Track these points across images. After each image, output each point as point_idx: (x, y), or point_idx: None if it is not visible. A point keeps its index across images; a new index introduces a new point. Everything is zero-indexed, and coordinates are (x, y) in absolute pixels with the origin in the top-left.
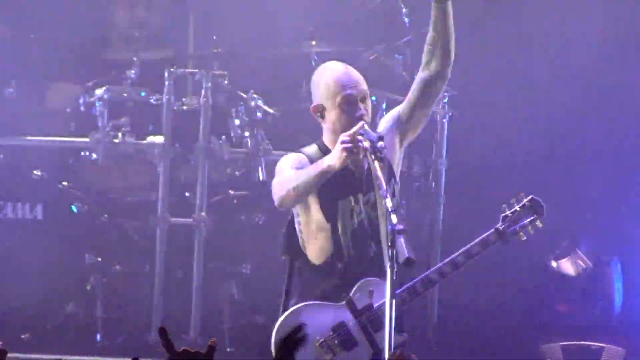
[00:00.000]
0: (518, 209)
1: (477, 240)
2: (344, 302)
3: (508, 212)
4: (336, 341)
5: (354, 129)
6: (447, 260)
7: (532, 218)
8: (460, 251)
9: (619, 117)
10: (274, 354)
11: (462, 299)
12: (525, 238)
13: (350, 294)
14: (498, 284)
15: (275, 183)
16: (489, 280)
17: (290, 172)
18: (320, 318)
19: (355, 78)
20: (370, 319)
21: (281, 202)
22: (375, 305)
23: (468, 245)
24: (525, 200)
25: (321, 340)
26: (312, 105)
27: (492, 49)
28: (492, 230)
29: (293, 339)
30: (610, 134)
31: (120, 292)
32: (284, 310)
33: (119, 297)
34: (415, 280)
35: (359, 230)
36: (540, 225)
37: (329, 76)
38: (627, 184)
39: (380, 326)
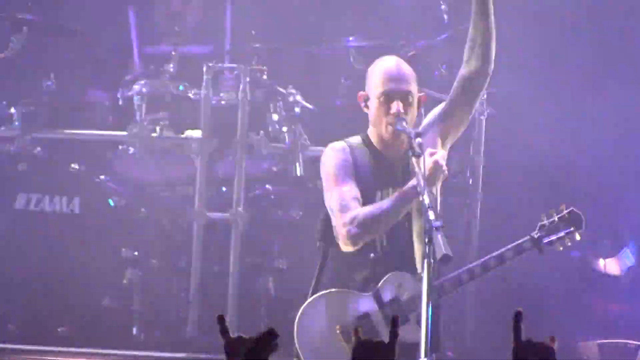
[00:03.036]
0: (557, 219)
1: (510, 245)
2: (370, 293)
3: (546, 222)
4: None
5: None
6: (478, 262)
7: (570, 230)
8: (493, 254)
9: None
10: (295, 339)
11: (500, 295)
12: (561, 249)
13: (378, 286)
14: (537, 282)
15: (346, 220)
16: (529, 278)
17: (351, 208)
18: (345, 306)
19: (402, 75)
20: (395, 313)
21: (358, 240)
22: (402, 299)
23: (501, 250)
24: (564, 212)
25: (343, 329)
26: (360, 93)
27: (534, 47)
28: (527, 237)
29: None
30: None
31: (156, 286)
32: (313, 294)
33: (156, 292)
34: (443, 278)
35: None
36: (579, 238)
37: (377, 68)
38: None
39: (405, 320)
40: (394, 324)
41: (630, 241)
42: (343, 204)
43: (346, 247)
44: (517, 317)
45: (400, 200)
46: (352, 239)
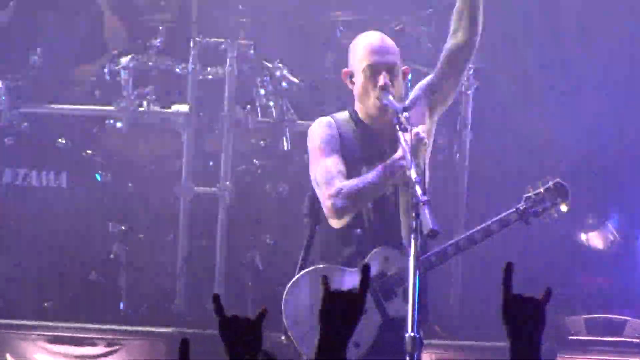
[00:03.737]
0: (542, 191)
1: (496, 218)
2: (357, 268)
3: (531, 193)
4: None
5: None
6: (464, 235)
7: (555, 201)
8: (478, 228)
9: None
10: (283, 315)
11: (486, 271)
12: (547, 221)
13: (365, 260)
14: (522, 256)
15: (331, 193)
16: (513, 251)
17: (336, 180)
18: (331, 282)
19: (386, 47)
20: (382, 287)
21: (343, 213)
22: (389, 273)
23: (487, 222)
24: (550, 183)
25: None
26: (344, 70)
27: (523, 22)
28: (513, 210)
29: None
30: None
31: (143, 260)
32: (300, 271)
33: (143, 266)
34: (430, 252)
35: (380, 198)
36: (565, 209)
37: (360, 42)
38: None
39: (392, 295)
40: (364, 271)
41: (612, 215)
42: (328, 177)
43: (332, 220)
44: (508, 269)
45: (385, 173)
46: (338, 211)
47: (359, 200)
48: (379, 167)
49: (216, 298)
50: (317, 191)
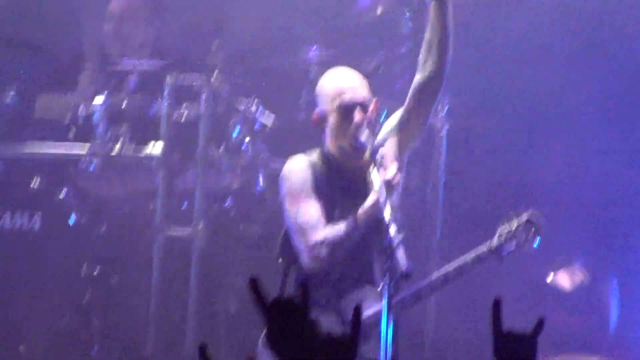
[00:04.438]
0: (515, 226)
1: (469, 255)
2: (332, 311)
3: (504, 229)
4: None
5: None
6: (437, 274)
7: (528, 237)
8: (453, 266)
9: (627, 127)
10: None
11: (457, 311)
12: (519, 256)
13: (340, 303)
14: (492, 296)
15: (316, 241)
16: (484, 292)
17: (318, 229)
18: None
19: (357, 83)
20: None
21: (326, 261)
22: (363, 316)
23: (460, 260)
24: (522, 218)
25: None
26: (315, 109)
27: (494, 56)
28: (485, 246)
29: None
30: (612, 147)
31: (117, 304)
32: None
33: (116, 309)
34: (404, 293)
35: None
36: (537, 244)
37: (331, 80)
38: (624, 199)
39: (366, 338)
40: (355, 314)
41: (579, 256)
42: (309, 225)
43: (312, 267)
44: (496, 305)
45: (364, 218)
46: (322, 260)
47: (341, 248)
48: (360, 213)
49: (253, 283)
50: (296, 237)
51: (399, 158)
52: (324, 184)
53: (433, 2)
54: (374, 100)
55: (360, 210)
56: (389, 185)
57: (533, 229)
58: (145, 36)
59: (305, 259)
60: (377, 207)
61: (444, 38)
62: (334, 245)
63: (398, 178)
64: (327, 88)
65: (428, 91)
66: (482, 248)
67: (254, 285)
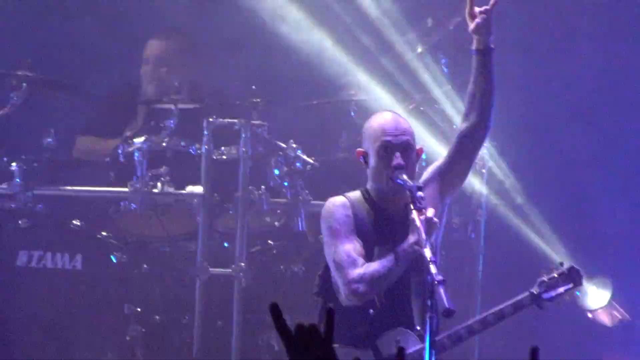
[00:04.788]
0: (556, 275)
1: (510, 302)
2: (369, 349)
3: (545, 278)
4: None
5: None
6: (477, 318)
7: (569, 286)
8: (492, 311)
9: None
10: None
11: (498, 340)
12: (560, 305)
13: (377, 341)
14: (536, 329)
15: (354, 277)
16: (526, 331)
17: (357, 265)
18: None
19: (400, 128)
20: None
21: (364, 298)
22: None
23: (501, 306)
24: (564, 268)
25: None
26: (357, 150)
27: (532, 99)
28: (527, 293)
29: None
30: None
31: (159, 342)
32: None
33: (158, 348)
34: (443, 334)
35: None
36: (578, 294)
37: (374, 122)
38: None
39: None
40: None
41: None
42: (349, 261)
43: (350, 303)
44: (534, 354)
45: (403, 256)
46: (360, 296)
47: (380, 285)
48: (397, 251)
49: (274, 309)
50: (336, 274)
51: (440, 203)
52: (364, 223)
53: (476, 53)
54: (417, 147)
55: (399, 249)
56: (428, 226)
57: (574, 280)
58: (182, 78)
59: (343, 294)
60: (416, 247)
61: (488, 89)
62: (372, 281)
63: (435, 221)
64: (369, 129)
65: (472, 141)
66: (523, 295)
67: (275, 312)
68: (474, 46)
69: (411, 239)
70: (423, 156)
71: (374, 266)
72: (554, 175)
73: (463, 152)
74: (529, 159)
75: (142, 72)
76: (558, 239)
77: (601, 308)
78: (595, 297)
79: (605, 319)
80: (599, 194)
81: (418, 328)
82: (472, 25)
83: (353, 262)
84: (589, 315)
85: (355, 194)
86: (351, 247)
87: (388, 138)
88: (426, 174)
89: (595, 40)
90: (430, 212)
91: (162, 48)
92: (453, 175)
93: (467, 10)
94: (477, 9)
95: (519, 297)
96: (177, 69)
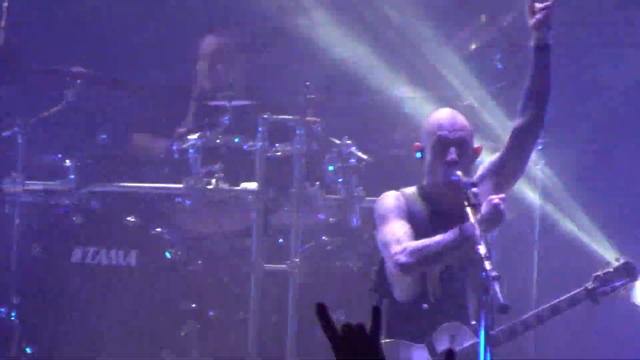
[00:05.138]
0: (611, 270)
1: (565, 296)
2: (423, 344)
3: (600, 273)
4: None
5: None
6: (532, 312)
7: (625, 281)
8: (547, 305)
9: None
10: None
11: (557, 344)
12: (616, 300)
13: (432, 337)
14: (591, 332)
15: (397, 250)
16: (584, 322)
17: (402, 241)
18: (398, 358)
19: (457, 124)
20: None
21: (409, 269)
22: (455, 350)
23: (555, 301)
24: (619, 263)
25: None
26: (415, 143)
27: (590, 92)
28: (582, 288)
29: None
30: None
31: (214, 338)
32: None
33: (214, 344)
34: (498, 329)
35: (446, 274)
36: (634, 289)
37: (432, 117)
38: None
39: None
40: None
41: None
42: (394, 237)
43: (396, 276)
44: (320, 310)
45: (455, 238)
46: (402, 267)
47: (424, 259)
48: (449, 232)
49: (321, 309)
50: (383, 252)
51: None
52: (418, 217)
53: (535, 50)
54: (476, 145)
55: (451, 231)
56: (490, 217)
57: (629, 274)
58: (238, 75)
59: (388, 270)
60: (470, 233)
61: (545, 85)
62: (415, 253)
63: (502, 209)
64: (427, 124)
65: (527, 137)
66: (578, 290)
67: (322, 311)
68: (532, 42)
69: (468, 224)
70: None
71: (420, 241)
72: (608, 172)
73: (518, 148)
74: (582, 156)
75: (197, 68)
76: (608, 238)
77: None
78: None
79: None
80: None
81: (473, 323)
82: (532, 21)
83: (397, 239)
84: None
85: (411, 189)
86: (398, 227)
87: (444, 133)
88: (481, 170)
89: None
90: (498, 198)
91: (219, 44)
92: (508, 171)
93: (527, 6)
94: (537, 5)
95: (574, 292)
96: (233, 65)
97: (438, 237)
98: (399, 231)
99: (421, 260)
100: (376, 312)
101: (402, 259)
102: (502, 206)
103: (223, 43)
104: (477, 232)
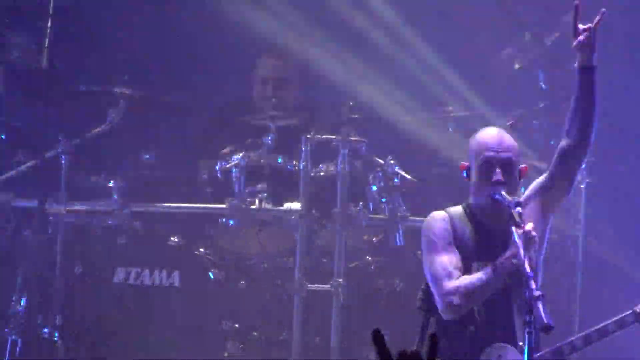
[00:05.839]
0: None
1: (613, 319)
2: None
3: None
4: None
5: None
6: (579, 335)
7: None
8: (595, 328)
9: None
10: None
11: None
12: None
13: (480, 358)
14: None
15: (449, 290)
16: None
17: (453, 277)
18: None
19: (504, 144)
20: None
21: (459, 311)
22: None
23: (603, 323)
24: None
25: None
26: (462, 163)
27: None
28: (630, 312)
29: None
30: None
31: (257, 358)
32: None
33: None
34: (544, 350)
35: (492, 294)
36: None
37: (479, 137)
38: None
39: None
40: None
41: None
42: (444, 273)
43: (446, 316)
44: (376, 338)
45: (498, 271)
46: (454, 309)
47: (475, 299)
48: (492, 266)
49: (377, 336)
50: (432, 286)
51: (542, 219)
52: (464, 238)
53: (579, 71)
54: (522, 165)
55: (497, 262)
56: (527, 240)
57: None
58: (291, 96)
59: (439, 307)
60: (515, 261)
61: (590, 107)
62: (468, 294)
63: (533, 235)
64: (474, 143)
65: (573, 158)
66: (626, 313)
67: (378, 337)
68: (577, 63)
69: (508, 254)
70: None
71: (470, 279)
72: None
73: (564, 169)
74: (629, 173)
75: (256, 92)
76: None
77: None
78: None
79: None
80: None
81: (520, 344)
82: (575, 42)
83: (449, 274)
84: None
85: (457, 209)
86: (447, 260)
87: (490, 154)
88: (528, 191)
89: None
90: (529, 225)
91: (277, 67)
92: (554, 191)
93: (571, 27)
94: (581, 26)
95: (622, 315)
96: (290, 87)
97: (483, 274)
98: (449, 264)
99: (471, 299)
100: (433, 338)
101: (456, 300)
102: (534, 236)
103: (281, 65)
104: (521, 252)
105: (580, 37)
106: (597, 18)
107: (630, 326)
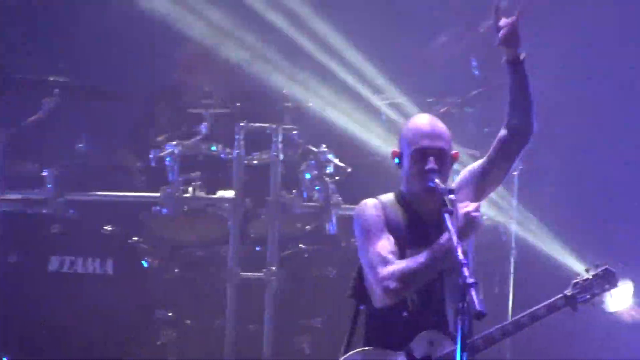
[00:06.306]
0: (590, 277)
1: (544, 303)
2: (402, 351)
3: (579, 280)
4: None
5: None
6: (510, 320)
7: (604, 288)
8: (525, 312)
9: None
10: None
11: (532, 344)
12: (594, 307)
13: (410, 344)
14: (569, 335)
15: (385, 275)
16: (560, 334)
17: (389, 262)
18: None
19: (436, 132)
20: None
21: (396, 295)
22: (434, 357)
23: (534, 308)
24: (599, 270)
25: None
26: (393, 149)
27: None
28: (561, 295)
29: None
30: None
31: (191, 347)
32: (344, 354)
33: (190, 352)
34: (476, 337)
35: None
36: (613, 296)
37: (411, 124)
38: None
39: None
40: None
41: None
42: (380, 259)
43: (382, 302)
44: None
45: (435, 255)
46: (390, 293)
47: (412, 283)
48: (430, 250)
49: None
50: (368, 272)
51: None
52: (396, 225)
53: (508, 65)
54: (453, 151)
55: (430, 249)
56: (470, 222)
57: (609, 281)
58: (214, 84)
59: (376, 293)
60: (449, 249)
61: (525, 98)
62: (403, 278)
63: (476, 215)
64: (406, 131)
65: (513, 147)
66: (557, 297)
67: None
68: (504, 59)
69: (444, 238)
70: None
71: (406, 262)
72: (581, 178)
73: (502, 158)
74: (559, 162)
75: (176, 79)
76: (581, 242)
77: (624, 309)
78: (618, 299)
79: (627, 319)
80: (626, 199)
81: (452, 330)
82: (498, 37)
83: (383, 259)
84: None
85: (389, 196)
86: (381, 245)
87: (423, 142)
88: (461, 176)
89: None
90: (471, 206)
91: (194, 55)
92: (490, 178)
93: (493, 25)
94: (502, 21)
95: (553, 299)
96: (209, 75)
97: (421, 257)
98: (384, 250)
99: (408, 283)
100: None
101: (392, 285)
102: (477, 216)
103: (199, 53)
104: (455, 239)
105: (503, 32)
106: (516, 14)
107: (561, 310)
